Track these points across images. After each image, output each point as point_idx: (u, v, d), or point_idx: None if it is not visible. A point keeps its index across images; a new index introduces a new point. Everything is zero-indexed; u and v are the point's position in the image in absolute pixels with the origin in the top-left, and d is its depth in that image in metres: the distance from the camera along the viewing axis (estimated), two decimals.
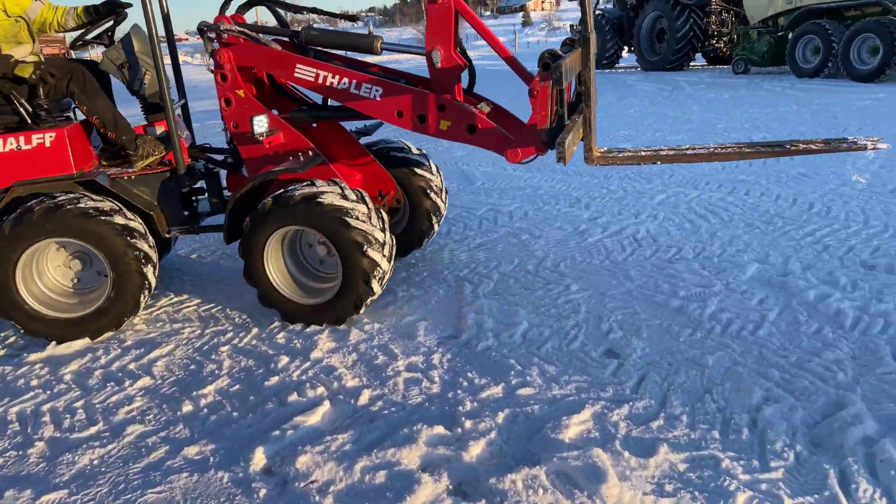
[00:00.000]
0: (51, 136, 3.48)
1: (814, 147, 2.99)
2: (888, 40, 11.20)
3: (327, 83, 3.48)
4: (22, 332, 3.59)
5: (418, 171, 4.26)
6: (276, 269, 3.53)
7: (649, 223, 4.89)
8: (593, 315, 3.46)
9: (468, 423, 2.57)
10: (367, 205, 3.40)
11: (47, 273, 3.66)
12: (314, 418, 2.70)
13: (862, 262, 3.88)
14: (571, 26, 20.28)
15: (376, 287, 3.40)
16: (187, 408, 2.88)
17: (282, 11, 3.97)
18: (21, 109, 3.50)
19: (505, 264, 4.26)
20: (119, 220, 3.46)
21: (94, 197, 3.51)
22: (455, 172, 7.02)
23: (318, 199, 3.27)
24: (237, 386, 3.04)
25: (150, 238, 3.60)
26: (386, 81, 3.42)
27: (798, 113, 9.39)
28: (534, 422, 2.59)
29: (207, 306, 3.96)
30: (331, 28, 4.40)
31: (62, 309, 3.60)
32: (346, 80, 3.45)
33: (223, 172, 4.20)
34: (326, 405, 2.79)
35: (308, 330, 3.53)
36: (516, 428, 2.57)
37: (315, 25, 3.65)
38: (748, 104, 10.42)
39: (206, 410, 2.86)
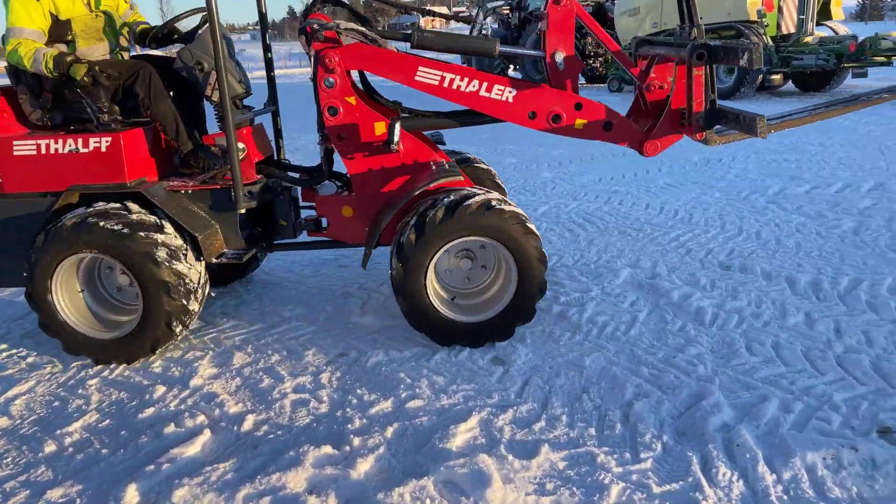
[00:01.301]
0: (107, 141, 3.19)
1: None
2: None
3: (454, 86, 3.28)
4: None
5: (475, 164, 4.23)
6: (431, 287, 3.28)
7: None
8: None
9: (356, 441, 2.55)
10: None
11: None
12: (193, 449, 2.57)
13: (719, 263, 4.25)
14: None
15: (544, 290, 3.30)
16: (50, 448, 2.66)
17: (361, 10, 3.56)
18: (89, 110, 3.24)
19: None
20: (155, 238, 3.16)
21: (134, 211, 3.22)
22: None
23: (501, 209, 3.13)
24: (107, 421, 2.85)
25: (192, 259, 3.29)
26: (520, 81, 3.31)
27: None
28: (422, 433, 2.61)
29: None
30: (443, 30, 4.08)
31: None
32: (475, 82, 3.28)
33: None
34: (207, 434, 2.67)
35: (187, 357, 3.36)
36: (405, 441, 2.58)
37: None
38: None
39: (71, 449, 2.65)
